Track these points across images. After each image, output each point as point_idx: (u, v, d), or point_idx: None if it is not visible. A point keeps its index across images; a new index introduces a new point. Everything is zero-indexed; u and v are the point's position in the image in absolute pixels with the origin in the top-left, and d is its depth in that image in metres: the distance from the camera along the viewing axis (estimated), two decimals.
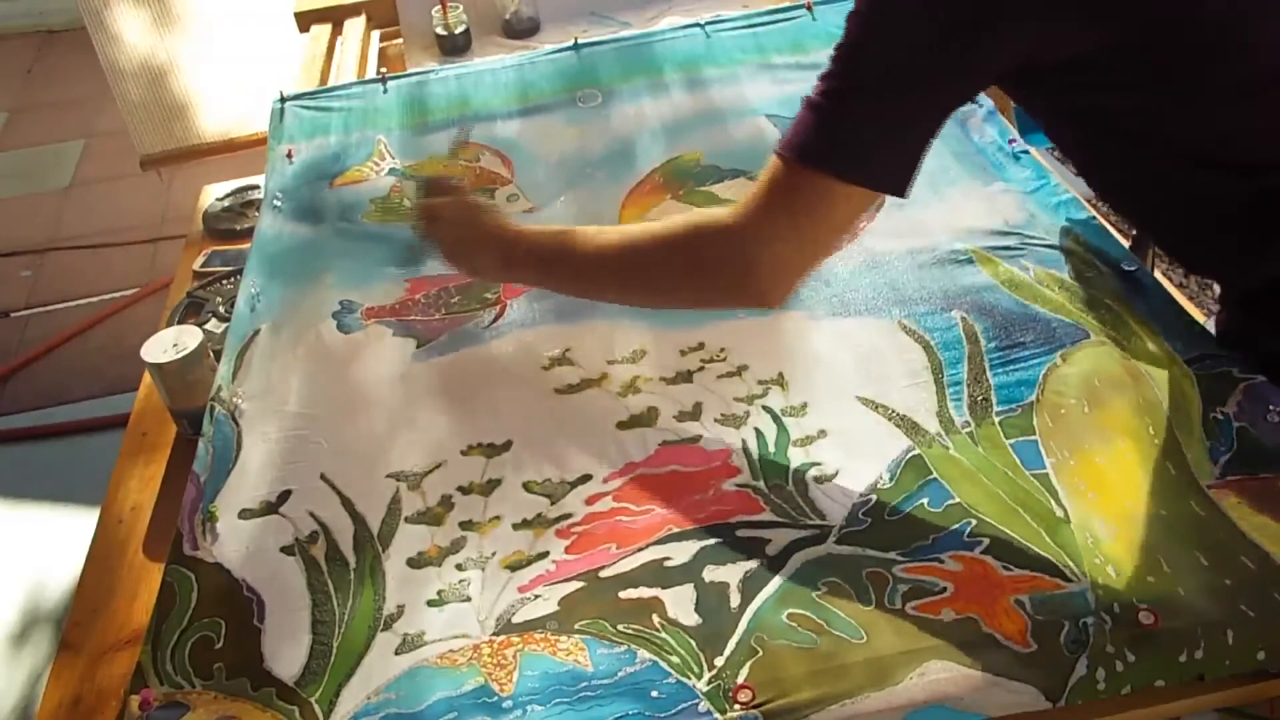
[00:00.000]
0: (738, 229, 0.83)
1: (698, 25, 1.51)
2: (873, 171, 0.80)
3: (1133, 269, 1.04)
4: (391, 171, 1.35)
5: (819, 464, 0.90)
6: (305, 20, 1.87)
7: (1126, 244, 1.08)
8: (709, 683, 0.74)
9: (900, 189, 0.81)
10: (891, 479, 0.87)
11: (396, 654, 0.79)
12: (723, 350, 1.02)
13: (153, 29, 2.29)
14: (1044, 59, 0.80)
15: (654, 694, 0.73)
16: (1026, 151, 1.22)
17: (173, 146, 2.38)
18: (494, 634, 0.80)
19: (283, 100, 1.47)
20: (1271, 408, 0.87)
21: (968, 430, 0.91)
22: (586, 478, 0.92)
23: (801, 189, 0.80)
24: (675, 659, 0.75)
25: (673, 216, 0.90)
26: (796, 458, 0.91)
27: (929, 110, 0.81)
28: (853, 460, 0.89)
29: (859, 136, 0.79)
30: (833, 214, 0.81)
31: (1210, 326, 0.98)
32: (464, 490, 0.92)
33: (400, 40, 1.82)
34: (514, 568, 0.85)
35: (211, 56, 2.35)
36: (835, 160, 0.79)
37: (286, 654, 0.80)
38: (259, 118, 2.04)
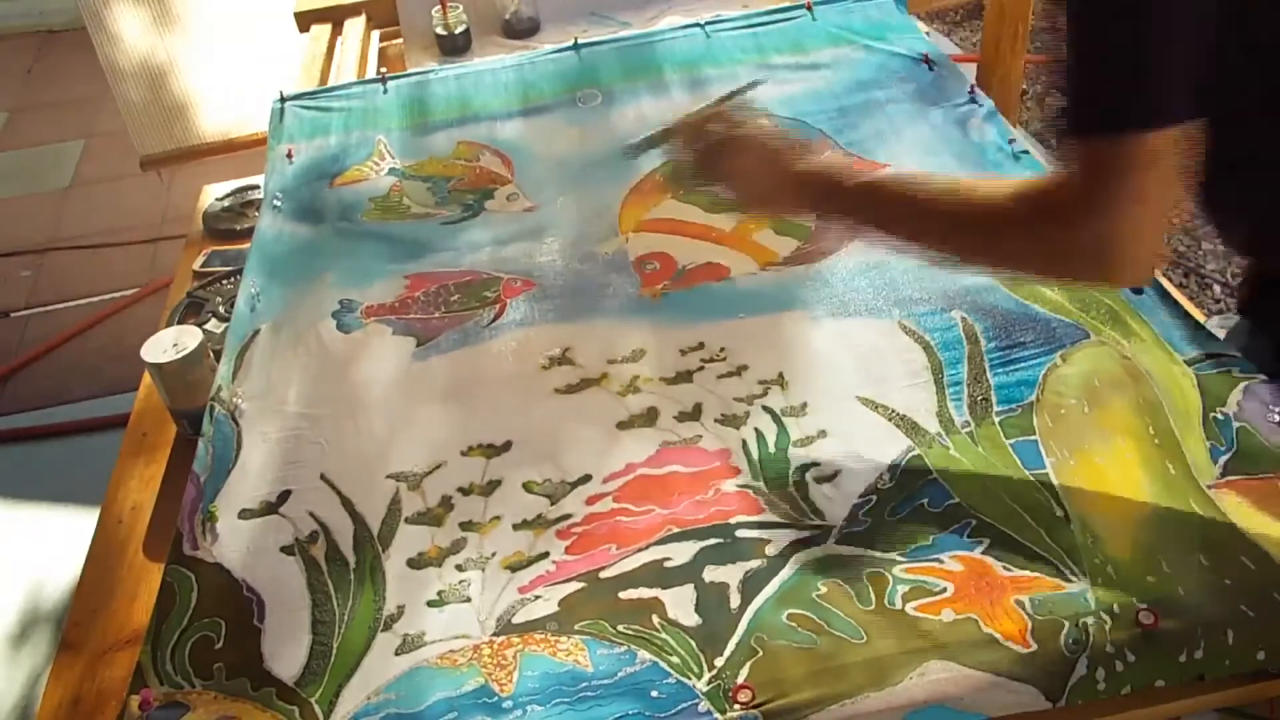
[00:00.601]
0: (1084, 212, 0.73)
1: (698, 25, 1.51)
2: (1185, 106, 0.71)
3: None
4: (391, 171, 1.35)
5: (819, 464, 0.90)
6: (305, 20, 1.87)
7: None
8: (709, 683, 0.74)
9: (1201, 110, 0.72)
10: (891, 479, 0.87)
11: (396, 654, 0.79)
12: (723, 350, 1.02)
13: (152, 29, 2.29)
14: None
15: (654, 694, 0.73)
16: (1026, 152, 1.22)
17: (173, 147, 2.39)
18: (494, 634, 0.80)
19: (283, 100, 1.48)
20: (1272, 407, 0.87)
21: (968, 430, 0.91)
22: (586, 478, 0.92)
23: (1127, 157, 0.71)
24: (675, 659, 0.76)
25: (992, 183, 0.82)
26: (796, 458, 0.91)
27: (1196, 36, 0.71)
28: (853, 460, 0.89)
29: (1160, 81, 0.71)
30: (1165, 162, 0.72)
31: (1210, 326, 0.98)
32: (464, 491, 0.92)
33: (400, 40, 1.82)
34: (514, 568, 0.85)
35: (211, 56, 2.35)
36: (1150, 113, 0.70)
37: (286, 654, 0.80)
38: (259, 118, 2.04)
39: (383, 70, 1.58)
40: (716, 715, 0.72)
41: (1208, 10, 0.71)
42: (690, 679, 0.74)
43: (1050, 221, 0.75)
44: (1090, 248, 0.74)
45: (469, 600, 0.83)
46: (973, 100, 1.31)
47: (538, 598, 0.82)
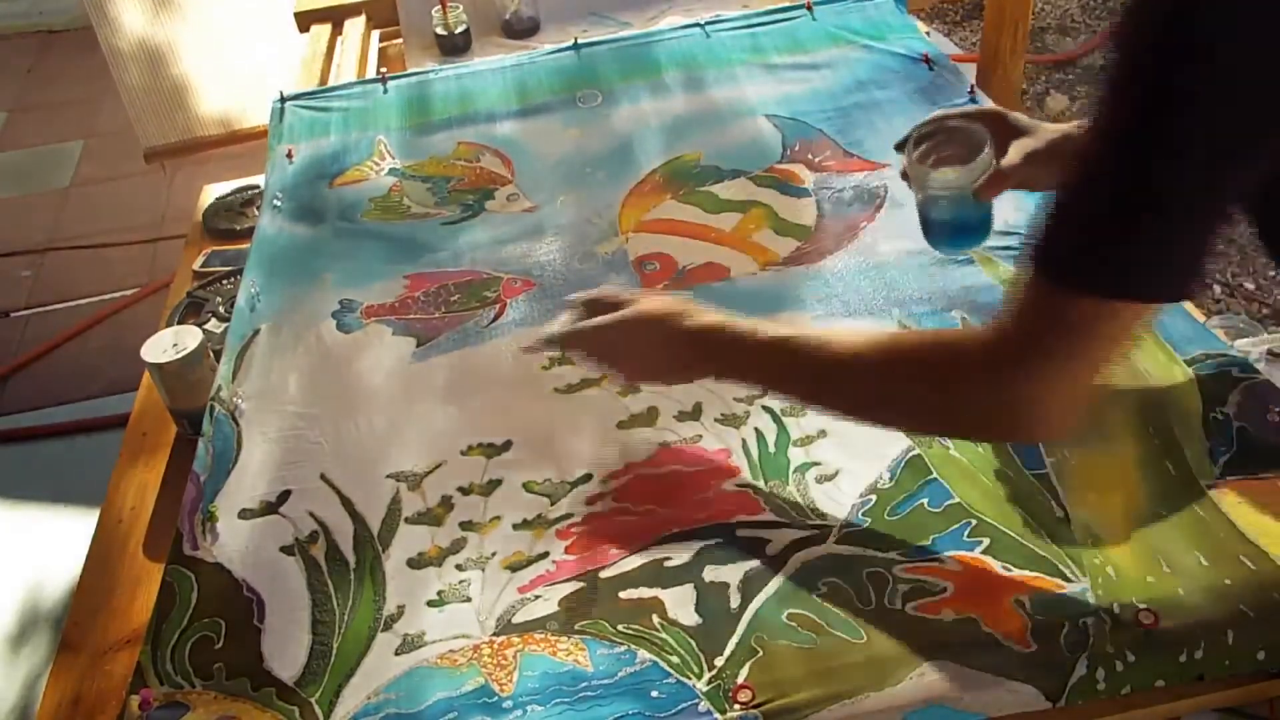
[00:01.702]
0: (1008, 360, 0.68)
1: (697, 25, 1.51)
2: (1170, 287, 0.65)
3: None
4: (391, 171, 1.35)
5: (819, 464, 0.90)
6: (305, 20, 1.87)
7: None
8: (709, 683, 0.74)
9: (1190, 294, 0.68)
10: (891, 479, 0.87)
11: (396, 654, 0.79)
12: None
13: (155, 18, 2.30)
14: None
15: (654, 694, 0.73)
16: None
17: (176, 139, 2.39)
18: (494, 634, 0.80)
19: (283, 100, 1.48)
20: (1272, 407, 0.87)
21: None
22: (586, 478, 0.92)
23: (1072, 313, 0.65)
24: (675, 659, 0.75)
25: (915, 333, 0.78)
26: (796, 458, 0.91)
27: (1221, 201, 0.64)
28: (853, 460, 0.89)
29: (1150, 254, 0.64)
30: (1120, 334, 0.66)
31: (1210, 326, 0.98)
32: (464, 490, 0.92)
33: (400, 40, 1.82)
34: (514, 568, 0.85)
35: (214, 46, 2.35)
36: (1127, 283, 0.64)
37: (286, 654, 0.80)
38: (262, 110, 2.04)
39: (383, 70, 1.58)
40: (716, 715, 0.72)
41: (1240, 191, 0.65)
42: (690, 679, 0.74)
43: (977, 372, 0.70)
44: (1011, 400, 0.69)
45: (469, 600, 0.83)
46: (972, 100, 1.31)
47: (538, 598, 0.82)
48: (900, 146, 0.99)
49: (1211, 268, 0.66)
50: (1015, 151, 0.94)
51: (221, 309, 1.22)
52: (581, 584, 0.82)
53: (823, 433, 0.93)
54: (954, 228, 0.99)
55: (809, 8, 1.51)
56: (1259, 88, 0.59)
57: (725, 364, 0.85)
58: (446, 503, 0.91)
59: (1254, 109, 0.60)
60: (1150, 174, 0.61)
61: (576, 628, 0.79)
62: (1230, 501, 0.81)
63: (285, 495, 0.93)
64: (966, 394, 0.71)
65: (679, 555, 0.83)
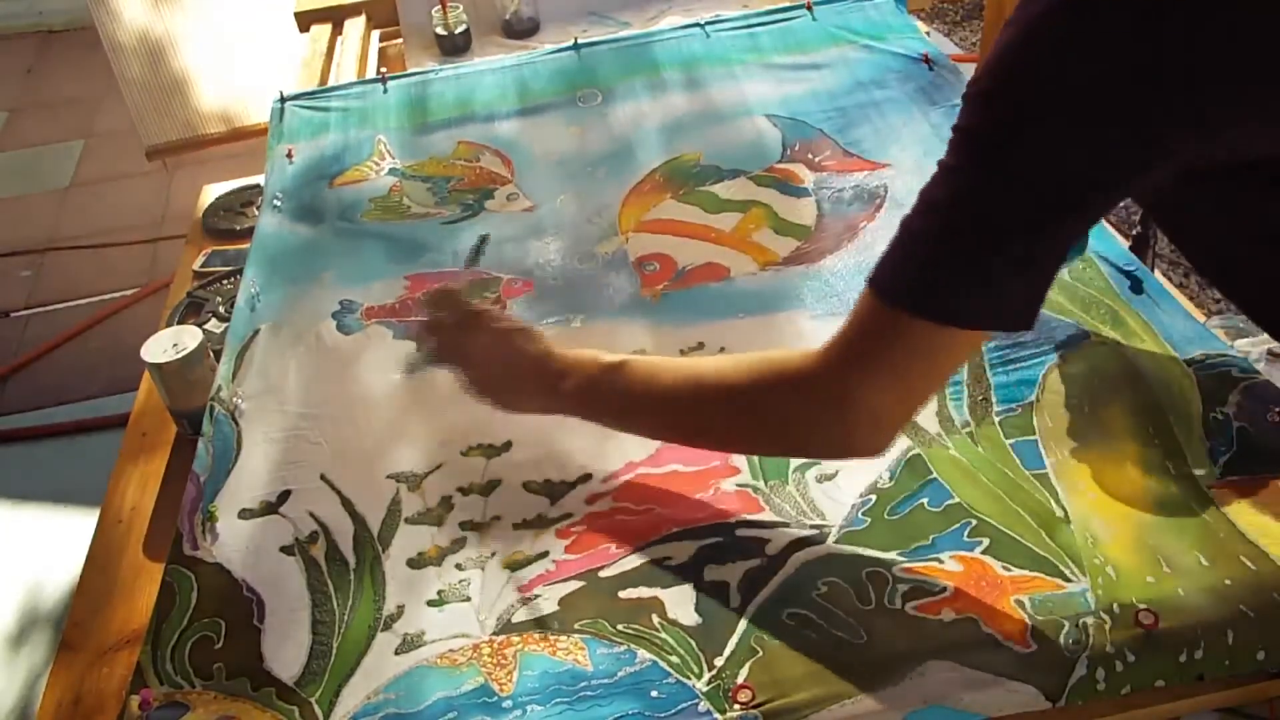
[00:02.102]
0: (825, 381, 0.70)
1: (697, 25, 1.51)
2: (999, 314, 0.67)
3: (1132, 269, 1.04)
4: (391, 171, 1.35)
5: (819, 464, 0.90)
6: (305, 20, 1.87)
7: (1126, 244, 1.08)
8: (709, 683, 0.74)
9: (1029, 324, 0.68)
10: (891, 479, 0.87)
11: (396, 654, 0.79)
12: (723, 350, 1.02)
13: (156, 17, 2.29)
14: (1219, 159, 0.66)
15: (654, 694, 0.73)
16: None
17: (177, 137, 2.39)
18: (494, 634, 0.80)
19: (283, 100, 1.48)
20: (1272, 407, 0.87)
21: (968, 430, 0.91)
22: (586, 477, 0.92)
23: (905, 336, 0.67)
24: (675, 659, 0.75)
25: (742, 356, 0.79)
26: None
27: (1072, 233, 0.67)
28: (852, 460, 0.89)
29: (981, 277, 0.65)
30: (945, 359, 0.69)
31: (1210, 326, 0.98)
32: (464, 491, 0.92)
33: (400, 40, 1.82)
34: (514, 568, 0.85)
35: (215, 46, 2.35)
36: (951, 307, 0.66)
37: (286, 654, 0.80)
38: (263, 108, 2.04)
39: (383, 70, 1.58)
40: (716, 715, 0.72)
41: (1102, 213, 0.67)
42: (690, 679, 0.74)
43: (790, 391, 0.73)
44: (823, 416, 0.71)
45: (469, 600, 0.83)
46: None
47: (538, 597, 0.82)
48: None
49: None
50: None
51: (221, 309, 1.22)
52: (581, 584, 0.82)
53: None
54: None
55: (809, 8, 1.51)
56: (1086, 136, 0.62)
57: (549, 397, 0.87)
58: (446, 503, 0.91)
59: (1081, 155, 0.63)
60: (982, 206, 0.65)
61: (576, 627, 0.79)
62: (1230, 501, 0.81)
63: (285, 495, 0.93)
64: (787, 418, 0.74)
65: (679, 555, 0.83)
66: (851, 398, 0.69)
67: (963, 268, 0.66)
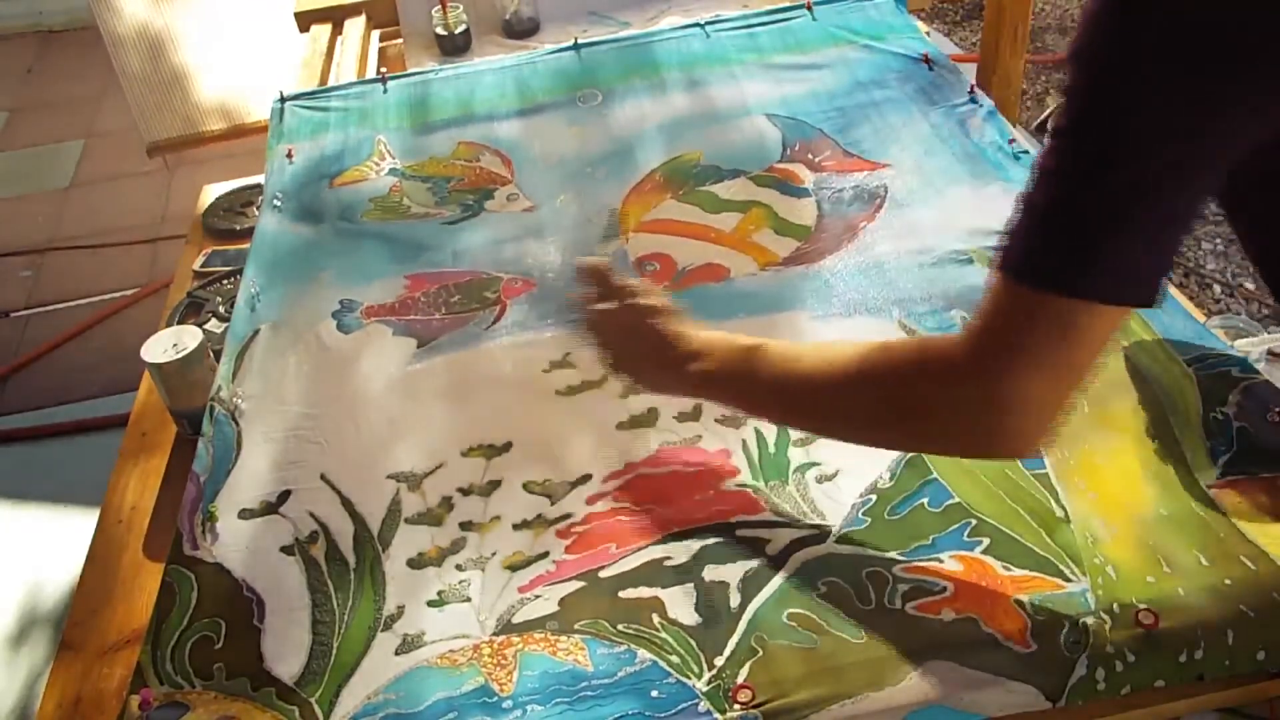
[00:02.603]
0: (972, 370, 0.67)
1: (697, 25, 1.51)
2: (1134, 287, 0.64)
3: None
4: (391, 171, 1.35)
5: (819, 464, 0.90)
6: (305, 20, 1.87)
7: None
8: (709, 683, 0.74)
9: (1154, 298, 0.65)
10: (891, 479, 0.87)
11: (396, 654, 0.79)
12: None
13: (157, 13, 2.29)
14: None
15: (654, 694, 0.73)
16: (1026, 151, 1.22)
17: (178, 134, 2.38)
18: (494, 634, 0.80)
19: (283, 100, 1.48)
20: (1272, 408, 0.87)
21: None
22: (586, 478, 0.92)
23: (1047, 317, 0.64)
24: (675, 659, 0.76)
25: (889, 342, 0.76)
26: (796, 457, 0.91)
27: (1186, 199, 0.64)
28: (853, 460, 0.89)
29: (1111, 250, 0.63)
30: (1089, 340, 0.65)
31: (1210, 326, 0.98)
32: (464, 491, 0.92)
33: (400, 40, 1.82)
34: (514, 568, 0.85)
35: (217, 42, 2.34)
36: (1086, 282, 0.63)
37: (286, 654, 0.80)
38: (264, 105, 2.04)
39: (383, 70, 1.58)
40: (716, 715, 0.72)
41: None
42: (690, 679, 0.74)
43: (939, 380, 0.69)
44: (977, 408, 0.67)
45: (469, 600, 0.83)
46: (973, 100, 1.31)
47: (538, 597, 0.82)
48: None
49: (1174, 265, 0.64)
50: None
51: (221, 309, 1.22)
52: (581, 584, 0.82)
53: None
54: None
55: (809, 8, 1.51)
56: (1209, 87, 0.59)
57: (686, 378, 0.85)
58: (446, 503, 0.91)
59: (1207, 109, 0.60)
60: (1112, 175, 0.62)
61: (576, 627, 0.79)
62: (1230, 501, 0.81)
63: (285, 495, 0.93)
64: (933, 406, 0.69)
65: (679, 555, 0.83)
66: (1001, 387, 0.65)
67: (1091, 240, 0.63)
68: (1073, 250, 0.63)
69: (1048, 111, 0.97)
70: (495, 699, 0.74)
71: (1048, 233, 0.64)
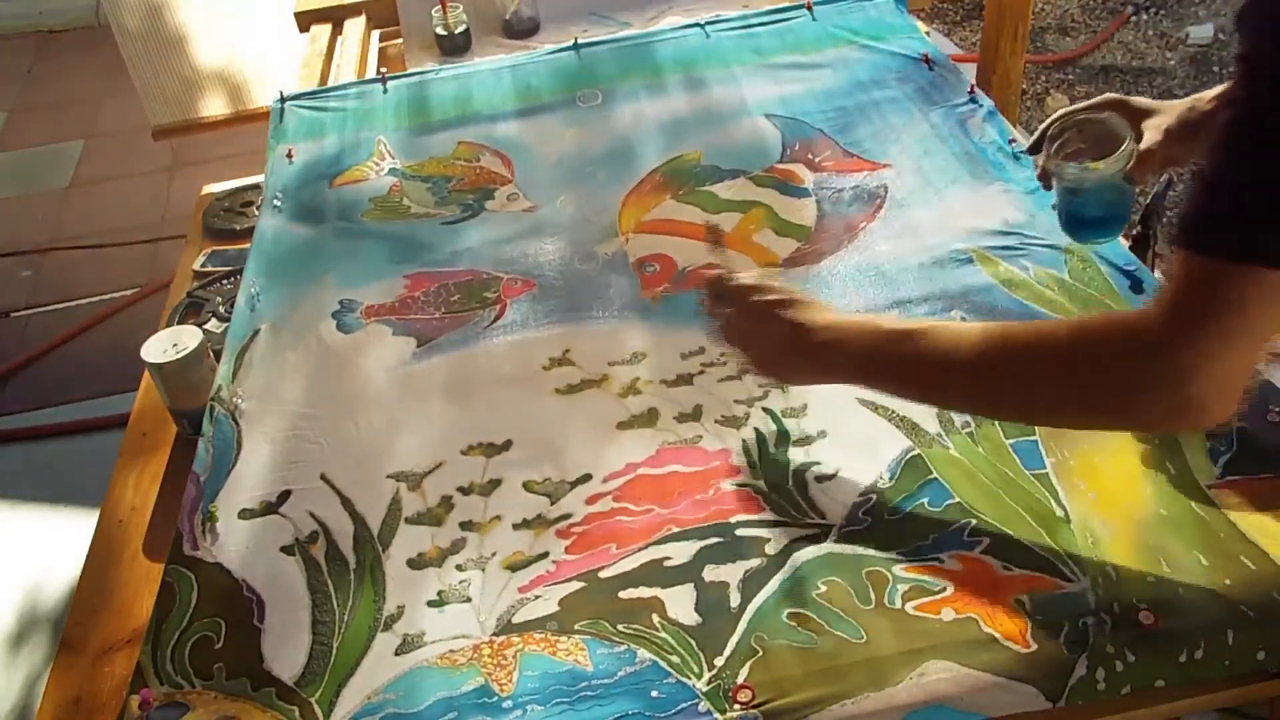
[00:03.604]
0: (1164, 343, 0.65)
1: (697, 25, 1.51)
2: None
3: (1132, 269, 1.04)
4: (391, 171, 1.35)
5: (819, 464, 0.90)
6: (305, 20, 1.87)
7: (1126, 244, 1.08)
8: (709, 682, 0.74)
9: None
10: (891, 479, 0.87)
11: (396, 654, 0.79)
12: (723, 354, 1.02)
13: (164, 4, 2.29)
14: None
15: (654, 694, 0.73)
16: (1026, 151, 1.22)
17: (183, 118, 2.38)
18: (494, 634, 0.80)
19: (282, 100, 1.48)
20: (1272, 408, 0.87)
21: (968, 430, 0.90)
22: (586, 478, 0.92)
23: (1232, 285, 0.63)
24: (675, 659, 0.75)
25: (1061, 321, 0.75)
26: (796, 458, 0.91)
27: None
28: (853, 460, 0.89)
29: None
30: (1273, 303, 0.64)
31: None
32: (464, 490, 0.92)
33: (400, 40, 1.82)
34: (514, 568, 0.85)
35: (222, 31, 2.34)
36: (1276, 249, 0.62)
37: (286, 654, 0.80)
38: (268, 91, 2.03)
39: (383, 70, 1.58)
40: (716, 715, 0.72)
41: None
42: (690, 679, 0.74)
43: (1126, 354, 0.67)
44: (1167, 381, 0.65)
45: (469, 600, 0.83)
46: (973, 100, 1.31)
47: (538, 597, 0.82)
48: (1034, 149, 1.03)
49: None
50: (1153, 132, 0.96)
51: (221, 309, 1.22)
52: (581, 584, 0.82)
53: (823, 433, 0.93)
54: (1103, 219, 1.03)
55: (809, 8, 1.51)
56: None
57: (833, 366, 0.83)
58: (446, 503, 0.91)
59: None
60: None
61: (576, 627, 0.79)
62: (1230, 501, 0.81)
63: (285, 495, 0.93)
64: (1121, 381, 0.68)
65: (679, 555, 0.83)
66: (1196, 363, 0.65)
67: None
68: (1270, 220, 0.62)
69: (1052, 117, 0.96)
70: (495, 699, 0.74)
71: (1242, 206, 0.63)
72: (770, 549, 0.83)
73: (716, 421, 0.95)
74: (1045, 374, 0.72)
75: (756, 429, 0.94)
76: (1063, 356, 0.71)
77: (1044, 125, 1.02)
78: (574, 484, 0.91)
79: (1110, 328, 0.71)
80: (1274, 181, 0.62)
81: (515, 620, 0.80)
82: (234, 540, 0.89)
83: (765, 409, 0.96)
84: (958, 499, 0.84)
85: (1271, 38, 0.61)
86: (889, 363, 0.80)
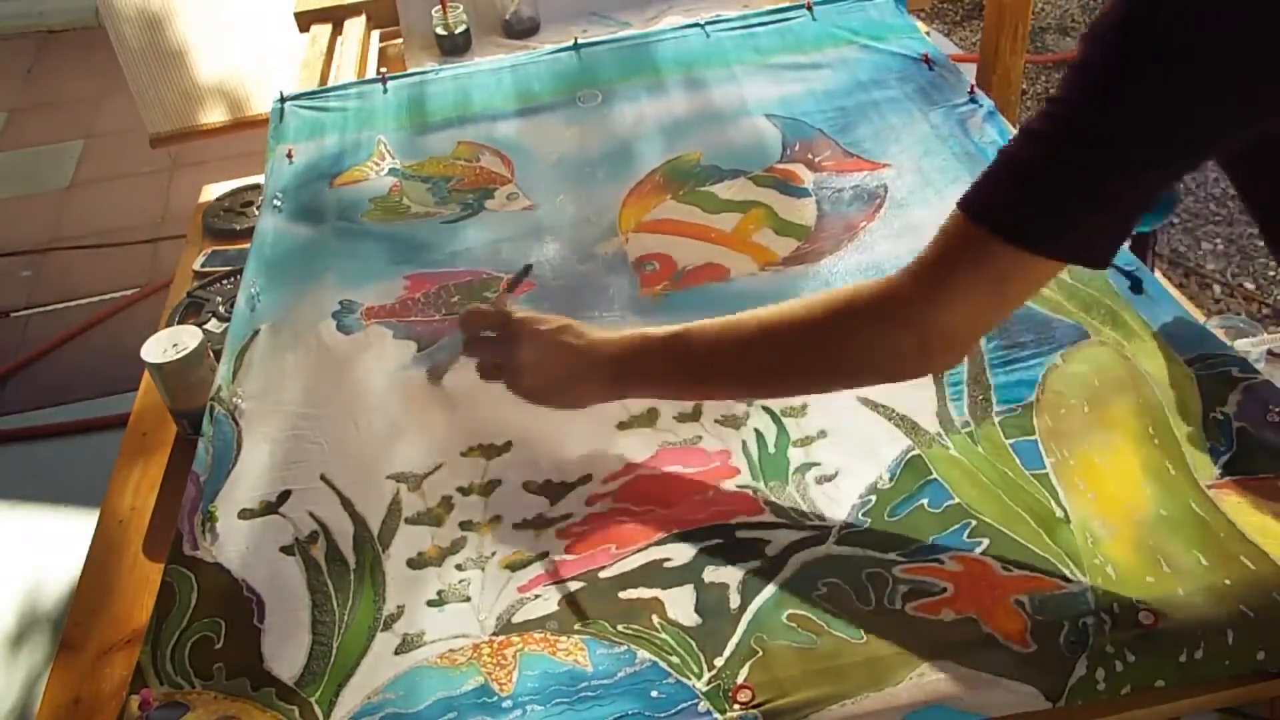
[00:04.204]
0: (910, 297, 0.73)
1: (697, 25, 1.51)
2: (1086, 248, 0.70)
3: (1132, 269, 1.04)
4: (391, 171, 1.35)
5: (819, 464, 0.90)
6: (305, 20, 1.87)
7: (1126, 244, 1.08)
8: (709, 683, 0.74)
9: (1108, 261, 0.72)
10: (891, 479, 0.87)
11: (396, 654, 0.79)
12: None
13: (162, 7, 2.29)
14: None
15: (654, 694, 0.73)
16: None
17: (180, 126, 2.38)
18: (494, 634, 0.80)
19: (282, 100, 1.48)
20: (1272, 408, 0.87)
21: (968, 430, 0.91)
22: (586, 478, 0.92)
23: (990, 259, 0.70)
24: (675, 659, 0.76)
25: (813, 296, 0.80)
26: (796, 458, 0.91)
27: (1168, 178, 0.70)
28: (853, 460, 0.89)
29: (1072, 208, 0.68)
30: (1024, 286, 0.72)
31: (1210, 326, 0.98)
32: (464, 491, 0.92)
33: (400, 40, 1.82)
34: (514, 568, 0.85)
35: (221, 34, 2.34)
36: (1041, 235, 0.69)
37: (286, 654, 0.80)
38: (266, 98, 2.03)
39: (383, 70, 1.58)
40: (716, 715, 0.72)
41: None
42: (690, 679, 0.74)
43: (878, 314, 0.75)
44: (911, 326, 0.73)
45: (469, 600, 0.83)
46: (973, 100, 1.31)
47: (538, 597, 0.82)
48: None
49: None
50: None
51: (221, 309, 1.22)
52: (581, 584, 0.82)
53: (823, 433, 0.93)
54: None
55: (809, 8, 1.51)
56: (1212, 78, 0.63)
57: (611, 382, 0.88)
58: (446, 503, 0.91)
59: (1206, 98, 0.64)
60: (1101, 153, 0.67)
61: (576, 627, 0.79)
62: (1230, 501, 0.81)
63: (285, 495, 0.93)
64: (863, 331, 0.76)
65: (679, 555, 0.83)
66: (931, 316, 0.73)
67: (1058, 198, 0.68)
68: (1048, 212, 0.69)
69: None
70: (495, 699, 0.74)
71: (1026, 190, 0.70)
72: (770, 550, 0.83)
73: (716, 422, 0.95)
74: (806, 350, 0.80)
75: (756, 429, 0.94)
76: (819, 329, 0.78)
77: None
78: (574, 484, 0.91)
79: (858, 292, 0.77)
80: (1059, 183, 0.68)
81: (515, 620, 0.80)
82: (234, 540, 0.89)
83: (765, 409, 0.96)
84: (958, 499, 0.85)
85: (1104, 57, 0.66)
86: (666, 370, 0.86)
